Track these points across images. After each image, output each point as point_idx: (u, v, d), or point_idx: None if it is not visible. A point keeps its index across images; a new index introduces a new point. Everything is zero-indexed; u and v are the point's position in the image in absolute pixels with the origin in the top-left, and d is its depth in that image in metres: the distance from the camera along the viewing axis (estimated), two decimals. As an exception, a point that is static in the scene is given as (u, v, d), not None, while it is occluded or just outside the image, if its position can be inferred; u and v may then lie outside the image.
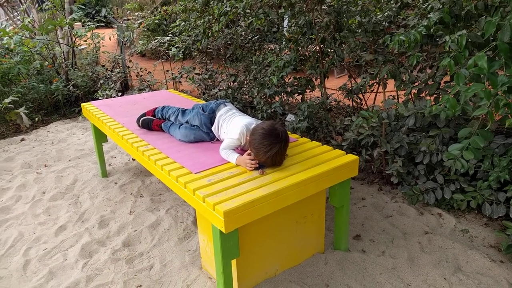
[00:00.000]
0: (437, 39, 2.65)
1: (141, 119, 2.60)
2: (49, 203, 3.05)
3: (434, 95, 2.57)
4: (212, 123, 2.32)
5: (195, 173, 1.93)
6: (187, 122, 2.44)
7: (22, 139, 4.56)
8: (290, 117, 3.37)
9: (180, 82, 5.48)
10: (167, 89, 5.17)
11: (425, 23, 2.15)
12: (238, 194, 1.71)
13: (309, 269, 2.14)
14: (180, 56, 4.31)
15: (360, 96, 3.60)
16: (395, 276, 2.09)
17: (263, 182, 1.80)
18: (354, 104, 3.94)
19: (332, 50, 2.71)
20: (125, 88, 6.14)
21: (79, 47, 6.52)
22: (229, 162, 2.04)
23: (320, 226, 2.21)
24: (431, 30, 2.17)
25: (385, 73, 2.35)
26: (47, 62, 5.97)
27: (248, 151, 1.96)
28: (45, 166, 3.77)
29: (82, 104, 3.34)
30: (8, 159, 3.93)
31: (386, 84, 2.64)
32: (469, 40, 1.92)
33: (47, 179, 3.44)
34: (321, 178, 1.90)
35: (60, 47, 6.21)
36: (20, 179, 3.48)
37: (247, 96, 3.79)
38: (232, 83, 3.84)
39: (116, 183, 3.29)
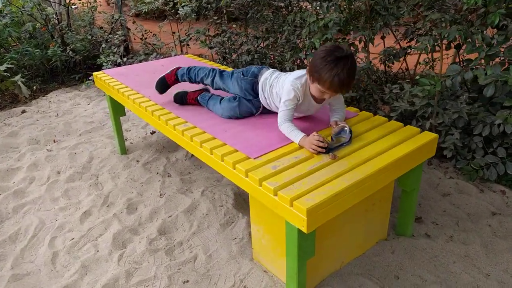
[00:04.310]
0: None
1: (175, 94, 2.26)
2: (67, 185, 2.77)
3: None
4: (253, 90, 2.02)
5: (254, 158, 1.66)
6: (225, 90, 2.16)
7: (23, 111, 4.20)
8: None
9: (188, 45, 5.06)
10: (177, 53, 4.77)
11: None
12: (316, 185, 1.45)
13: (375, 259, 1.94)
14: (193, 16, 3.88)
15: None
16: (471, 265, 1.90)
17: (340, 170, 1.54)
18: (388, 69, 3.64)
19: (384, 8, 2.37)
20: (125, 52, 5.68)
21: (72, 7, 5.97)
22: (289, 143, 1.77)
23: (386, 212, 1.98)
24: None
25: (455, 34, 2.04)
26: (39, 24, 5.47)
27: (314, 134, 1.68)
28: (54, 141, 3.46)
29: (94, 74, 2.98)
30: (12, 134, 3.60)
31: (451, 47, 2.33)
32: None
33: (60, 157, 3.14)
34: (404, 162, 1.65)
35: (53, 7, 5.67)
36: (29, 157, 3.18)
37: (275, 61, 3.44)
38: (256, 47, 3.47)
39: (138, 161, 3.01)
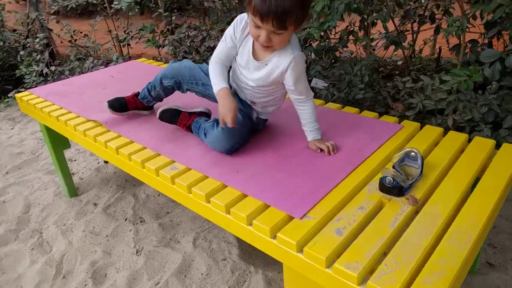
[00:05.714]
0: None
1: (163, 111, 1.60)
2: (-2, 253, 2.01)
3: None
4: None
5: (301, 218, 1.11)
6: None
7: None
8: (317, 83, 2.57)
9: (129, 45, 4.29)
10: (118, 56, 3.99)
11: None
12: (419, 260, 0.94)
13: (447, 312, 1.50)
14: (137, 10, 3.17)
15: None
16: (559, 300, 1.54)
17: (437, 224, 1.05)
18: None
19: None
20: (51, 59, 4.71)
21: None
22: (340, 182, 1.24)
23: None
24: None
25: (501, 13, 1.63)
26: None
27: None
28: (-29, 187, 2.61)
29: (17, 96, 2.20)
30: None
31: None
32: None
33: (-18, 211, 2.34)
34: (504, 192, 1.20)
35: None
36: None
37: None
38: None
39: (95, 204, 2.30)
